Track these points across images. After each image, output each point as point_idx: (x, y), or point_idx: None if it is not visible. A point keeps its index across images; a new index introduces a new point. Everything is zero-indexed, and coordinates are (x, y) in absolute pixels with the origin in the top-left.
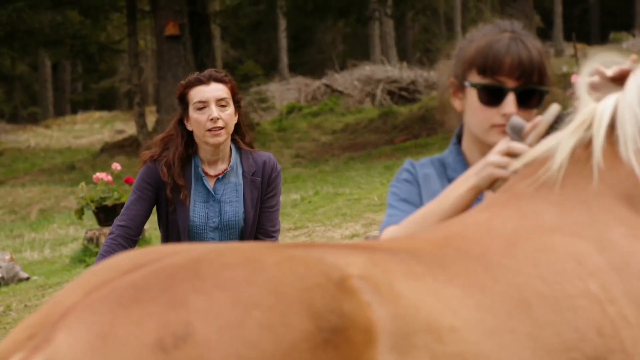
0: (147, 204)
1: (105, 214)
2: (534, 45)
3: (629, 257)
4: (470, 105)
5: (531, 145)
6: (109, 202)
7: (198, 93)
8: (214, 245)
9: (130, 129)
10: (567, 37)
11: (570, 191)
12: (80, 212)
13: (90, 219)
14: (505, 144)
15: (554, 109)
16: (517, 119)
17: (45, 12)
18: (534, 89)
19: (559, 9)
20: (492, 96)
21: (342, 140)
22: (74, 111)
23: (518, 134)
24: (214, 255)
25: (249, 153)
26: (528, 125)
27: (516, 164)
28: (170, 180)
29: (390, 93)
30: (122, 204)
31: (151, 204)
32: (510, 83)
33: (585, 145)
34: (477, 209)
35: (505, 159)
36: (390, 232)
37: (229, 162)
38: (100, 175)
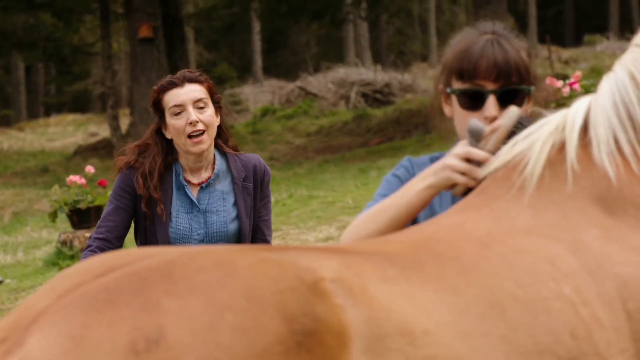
0: (127, 214)
1: (79, 217)
2: (512, 45)
3: (603, 259)
4: (455, 111)
5: (490, 150)
6: (82, 205)
7: (173, 97)
8: (187, 248)
9: (103, 131)
10: (541, 40)
11: (544, 194)
12: (53, 215)
13: (63, 222)
14: (464, 148)
15: (513, 112)
16: (476, 122)
17: (18, 15)
18: (515, 89)
19: (533, 11)
20: (472, 100)
21: (316, 143)
22: (47, 114)
23: (477, 138)
24: (187, 259)
25: (235, 157)
26: (487, 129)
27: (479, 171)
28: (145, 193)
29: (364, 96)
30: (96, 207)
31: (131, 214)
32: (489, 85)
33: (559, 148)
34: (451, 211)
35: (463, 164)
36: (351, 226)
37: (213, 168)
38: (74, 178)
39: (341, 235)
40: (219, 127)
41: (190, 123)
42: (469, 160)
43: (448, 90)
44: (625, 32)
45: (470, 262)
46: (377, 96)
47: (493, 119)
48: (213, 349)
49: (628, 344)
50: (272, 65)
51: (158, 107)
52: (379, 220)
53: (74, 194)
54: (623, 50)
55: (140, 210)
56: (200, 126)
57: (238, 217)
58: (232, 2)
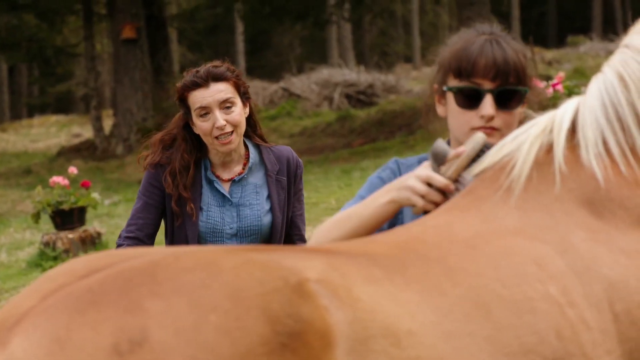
0: (157, 211)
1: (62, 218)
2: (510, 46)
3: (590, 261)
4: (451, 110)
5: (450, 177)
6: (65, 206)
7: (198, 99)
8: (172, 249)
9: (87, 132)
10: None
11: (531, 195)
12: (36, 216)
13: (46, 223)
14: (425, 171)
15: (478, 138)
16: (440, 144)
17: (1, 15)
18: (512, 89)
19: (516, 12)
20: (469, 99)
21: (299, 144)
22: (31, 115)
23: (439, 162)
24: (171, 259)
25: (268, 150)
26: (451, 153)
27: (438, 196)
28: (175, 192)
29: (347, 96)
30: (79, 208)
31: (161, 210)
32: (487, 84)
33: (547, 150)
34: (438, 211)
35: (423, 188)
36: (319, 229)
37: (245, 162)
38: (57, 179)
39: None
40: (249, 117)
41: (218, 127)
42: (429, 184)
43: (445, 87)
44: (608, 33)
45: (455, 263)
46: (360, 97)
47: (490, 118)
48: (196, 350)
49: (615, 346)
50: (255, 66)
51: (184, 103)
52: (343, 228)
53: (57, 195)
54: (606, 51)
55: (169, 209)
56: (228, 128)
57: (271, 210)
58: (216, 3)
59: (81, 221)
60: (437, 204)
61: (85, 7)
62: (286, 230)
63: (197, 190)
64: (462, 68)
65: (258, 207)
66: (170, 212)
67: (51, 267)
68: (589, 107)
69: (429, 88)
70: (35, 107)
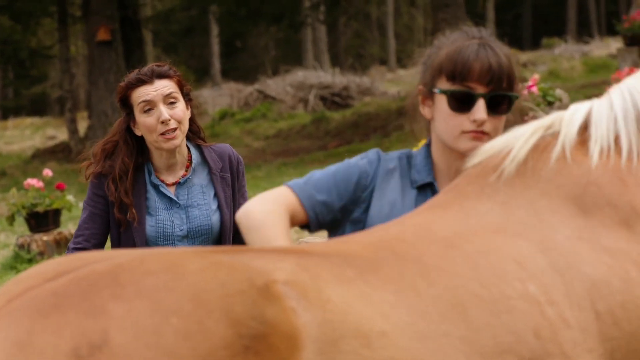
0: (103, 220)
1: (37, 220)
2: (502, 51)
3: (572, 259)
4: (440, 112)
5: None
6: (40, 209)
7: (142, 94)
8: (139, 251)
9: (61, 134)
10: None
11: (517, 190)
12: (11, 219)
13: (21, 225)
14: None
15: None
16: None
17: None
18: (504, 94)
19: (491, 14)
20: (461, 102)
21: (274, 146)
22: (5, 117)
23: None
24: (136, 262)
25: (209, 148)
26: None
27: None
28: (117, 198)
29: (322, 98)
30: (54, 211)
31: (107, 219)
32: (480, 89)
33: (538, 147)
34: (420, 209)
35: None
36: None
37: (188, 164)
38: (32, 181)
39: (299, 238)
40: (190, 120)
41: (162, 122)
42: None
43: (437, 90)
44: (583, 36)
45: (433, 263)
46: (335, 99)
47: (481, 123)
48: (156, 353)
49: (596, 344)
50: (230, 69)
51: (126, 104)
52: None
53: (32, 198)
54: (581, 53)
55: (113, 216)
56: (173, 124)
57: (219, 208)
58: (190, 5)
59: (56, 223)
60: None
61: (60, 9)
62: (234, 227)
63: (141, 195)
64: (456, 71)
65: (206, 206)
66: (114, 219)
67: (26, 269)
68: (607, 107)
69: (413, 89)
70: (10, 109)
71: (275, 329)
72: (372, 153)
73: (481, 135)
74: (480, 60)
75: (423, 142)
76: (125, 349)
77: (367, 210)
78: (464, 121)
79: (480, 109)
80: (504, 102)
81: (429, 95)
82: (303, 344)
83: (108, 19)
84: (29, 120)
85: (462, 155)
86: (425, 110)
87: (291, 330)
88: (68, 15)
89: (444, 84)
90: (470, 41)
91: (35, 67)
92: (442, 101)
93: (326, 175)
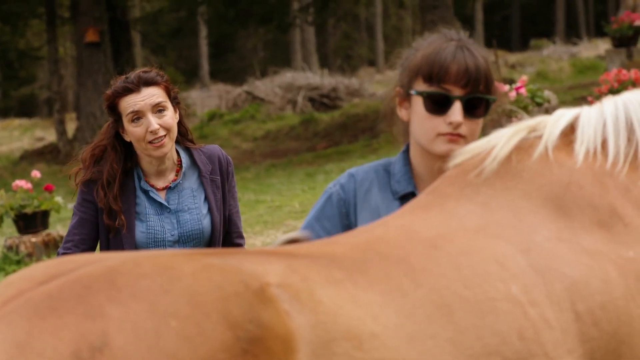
0: (92, 225)
1: (25, 222)
2: (480, 53)
3: (552, 260)
4: (416, 114)
5: None
6: (28, 210)
7: (130, 104)
8: (131, 254)
9: (50, 136)
10: (488, 44)
11: (498, 192)
12: None
13: (9, 227)
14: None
15: (289, 236)
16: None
17: None
18: (481, 97)
19: (479, 15)
20: (438, 104)
21: (263, 147)
22: None
23: None
24: (131, 265)
25: (198, 151)
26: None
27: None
28: (106, 205)
29: (311, 100)
30: (43, 212)
31: (96, 224)
32: (457, 91)
33: (520, 148)
34: (401, 211)
35: None
36: None
37: (178, 169)
38: (20, 182)
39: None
40: (179, 123)
41: (151, 131)
42: None
43: (413, 91)
44: (571, 37)
45: (417, 264)
46: (324, 100)
47: (457, 125)
48: (157, 355)
49: (576, 345)
50: (219, 70)
51: (114, 111)
52: None
53: (20, 199)
54: (569, 55)
55: (102, 222)
56: (162, 132)
57: (210, 211)
58: (179, 7)
59: (44, 225)
60: None
61: (49, 10)
62: (225, 228)
63: (130, 201)
64: (433, 73)
65: (196, 211)
66: (103, 225)
67: (14, 271)
68: (596, 113)
69: (391, 91)
70: None
71: (271, 332)
72: (344, 178)
73: (457, 137)
74: (457, 62)
75: None
76: (126, 351)
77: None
78: (440, 123)
79: (456, 111)
80: (480, 105)
81: (406, 97)
82: (298, 346)
83: (96, 20)
84: (17, 122)
85: (440, 157)
86: (402, 113)
87: (286, 333)
88: (56, 17)
89: (420, 86)
90: (447, 43)
91: (24, 69)
92: (418, 103)
93: (312, 220)
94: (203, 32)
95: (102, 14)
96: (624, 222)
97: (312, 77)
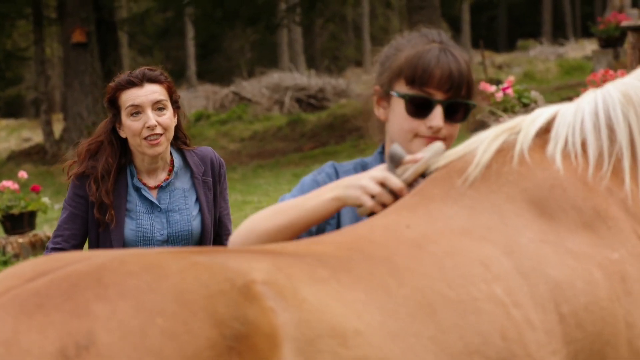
0: (83, 221)
1: (12, 222)
2: (463, 57)
3: (536, 261)
4: (396, 115)
5: (406, 180)
6: (15, 211)
7: (131, 97)
8: (118, 252)
9: (37, 137)
10: (475, 45)
11: (482, 194)
12: None
13: None
14: (382, 173)
15: (437, 147)
16: (397, 148)
17: None
18: (462, 102)
19: (466, 16)
20: (419, 107)
21: (250, 148)
22: None
23: (395, 164)
24: (117, 263)
25: (191, 152)
26: (408, 158)
27: (389, 198)
28: (97, 198)
29: (298, 100)
30: (30, 213)
31: (87, 220)
32: (439, 95)
33: (502, 150)
34: (386, 211)
35: (377, 188)
36: (247, 221)
37: (170, 168)
38: (7, 183)
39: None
40: (176, 128)
41: (149, 127)
42: (383, 184)
43: (395, 93)
44: (558, 38)
45: (402, 263)
46: (311, 101)
47: (437, 130)
48: (143, 353)
49: (560, 346)
50: (206, 71)
51: (114, 105)
52: (276, 220)
53: (7, 200)
54: (556, 55)
55: (92, 216)
56: (159, 130)
57: (201, 212)
58: (166, 7)
59: (31, 225)
60: (384, 207)
61: (35, 11)
62: (215, 230)
63: (122, 197)
64: (416, 76)
65: (187, 211)
66: (93, 220)
67: (1, 271)
68: (573, 111)
69: (369, 89)
70: None
71: (256, 329)
72: (327, 167)
73: (436, 140)
74: (441, 66)
75: None
76: (112, 349)
77: (338, 225)
78: (419, 125)
79: (437, 115)
80: (461, 110)
81: (385, 96)
82: (283, 343)
83: (83, 21)
84: (4, 122)
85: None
86: (379, 112)
87: (271, 330)
88: (43, 17)
89: (402, 88)
90: (430, 45)
91: (10, 69)
92: (399, 104)
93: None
94: (190, 32)
95: (89, 14)
96: (608, 224)
97: (299, 78)
